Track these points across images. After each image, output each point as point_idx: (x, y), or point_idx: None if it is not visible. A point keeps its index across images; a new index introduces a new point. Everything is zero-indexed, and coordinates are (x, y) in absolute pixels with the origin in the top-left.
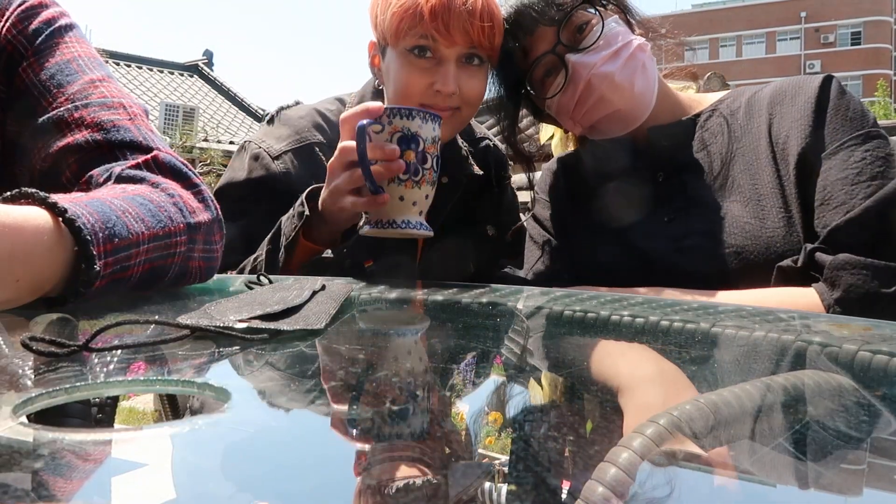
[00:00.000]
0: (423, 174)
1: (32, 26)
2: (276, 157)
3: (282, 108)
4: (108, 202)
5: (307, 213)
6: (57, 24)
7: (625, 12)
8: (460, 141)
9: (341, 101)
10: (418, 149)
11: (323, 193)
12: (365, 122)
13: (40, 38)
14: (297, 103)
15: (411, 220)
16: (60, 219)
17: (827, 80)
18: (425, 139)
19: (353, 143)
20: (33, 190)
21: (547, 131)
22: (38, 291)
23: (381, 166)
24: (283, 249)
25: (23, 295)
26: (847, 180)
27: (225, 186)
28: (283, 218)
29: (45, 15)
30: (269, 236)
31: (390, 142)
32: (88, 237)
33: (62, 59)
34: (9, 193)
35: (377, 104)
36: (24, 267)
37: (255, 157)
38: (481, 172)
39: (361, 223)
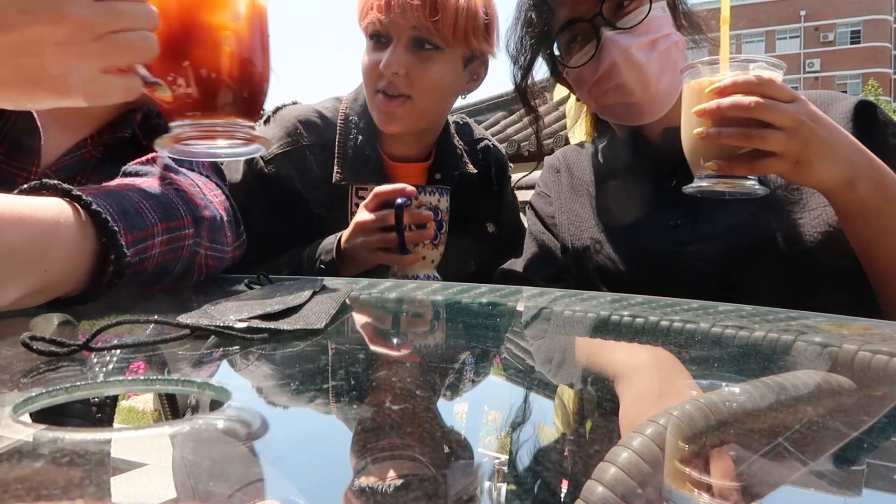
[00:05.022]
0: (440, 237)
1: None
2: (269, 161)
3: (278, 108)
4: (123, 194)
5: (338, 267)
6: None
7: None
8: (456, 140)
9: (338, 100)
10: (437, 218)
11: (349, 240)
12: (401, 200)
13: None
14: (294, 103)
15: (430, 275)
16: (84, 210)
17: (869, 104)
18: (442, 210)
19: (387, 213)
20: (55, 181)
21: (560, 91)
22: (64, 286)
23: (413, 234)
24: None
25: (50, 285)
26: None
27: None
28: (304, 257)
29: None
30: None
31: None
32: (115, 227)
33: None
34: (26, 186)
35: (412, 188)
36: (50, 256)
37: (249, 161)
38: (475, 171)
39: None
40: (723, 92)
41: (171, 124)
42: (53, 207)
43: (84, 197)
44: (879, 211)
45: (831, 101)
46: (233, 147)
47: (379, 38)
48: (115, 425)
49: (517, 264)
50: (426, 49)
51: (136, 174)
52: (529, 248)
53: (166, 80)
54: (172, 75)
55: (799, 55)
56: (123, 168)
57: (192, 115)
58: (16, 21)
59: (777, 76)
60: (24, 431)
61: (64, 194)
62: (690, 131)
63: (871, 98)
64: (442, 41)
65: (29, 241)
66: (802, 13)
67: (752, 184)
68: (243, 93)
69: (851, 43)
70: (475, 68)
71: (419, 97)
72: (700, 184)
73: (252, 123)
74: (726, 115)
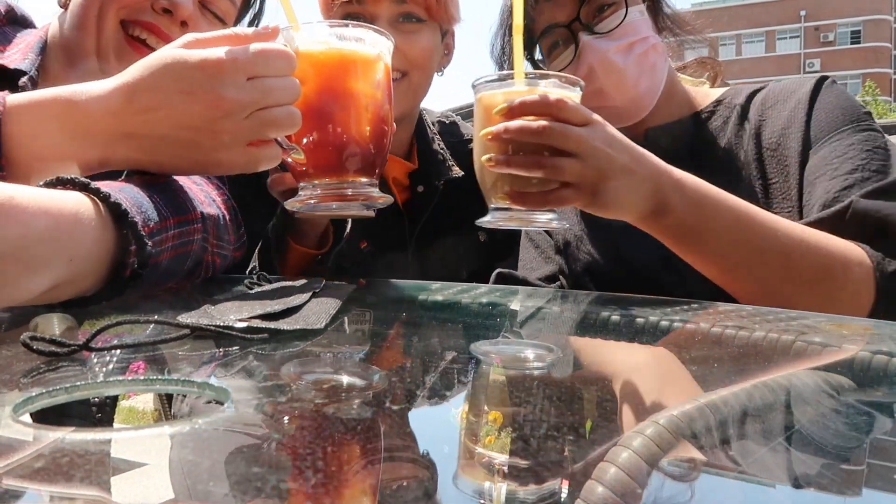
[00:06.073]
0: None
1: None
2: None
3: None
4: (134, 189)
5: (284, 221)
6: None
7: (654, 1)
8: (437, 145)
9: None
10: None
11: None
12: None
13: None
14: None
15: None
16: (102, 203)
17: (819, 81)
18: None
19: None
20: (72, 175)
21: None
22: (89, 278)
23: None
24: (275, 257)
25: (75, 276)
26: (831, 160)
27: None
28: (270, 226)
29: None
30: (258, 248)
31: None
32: (135, 219)
33: None
34: (42, 182)
35: None
36: (74, 245)
37: None
38: (461, 174)
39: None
40: (510, 113)
41: (301, 185)
42: (73, 199)
43: (102, 190)
44: (699, 228)
45: (797, 88)
46: (357, 208)
47: (358, 19)
48: (115, 425)
49: (514, 264)
50: (412, 22)
51: (142, 173)
52: (525, 247)
53: (302, 145)
54: (308, 141)
55: (799, 55)
56: (127, 168)
57: (322, 175)
58: (178, 101)
59: (573, 95)
60: (24, 431)
61: (82, 188)
62: (479, 156)
63: (870, 97)
64: (426, 13)
65: (54, 229)
66: (802, 13)
67: (548, 218)
68: (371, 150)
69: (851, 43)
70: (448, 41)
71: (415, 72)
72: (491, 218)
73: (375, 181)
74: (514, 139)
